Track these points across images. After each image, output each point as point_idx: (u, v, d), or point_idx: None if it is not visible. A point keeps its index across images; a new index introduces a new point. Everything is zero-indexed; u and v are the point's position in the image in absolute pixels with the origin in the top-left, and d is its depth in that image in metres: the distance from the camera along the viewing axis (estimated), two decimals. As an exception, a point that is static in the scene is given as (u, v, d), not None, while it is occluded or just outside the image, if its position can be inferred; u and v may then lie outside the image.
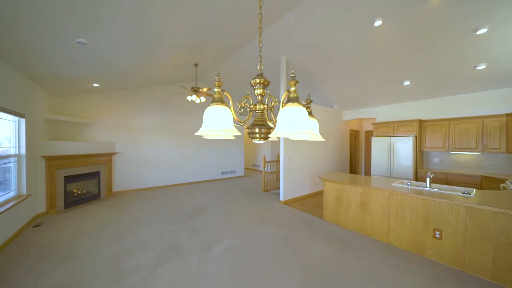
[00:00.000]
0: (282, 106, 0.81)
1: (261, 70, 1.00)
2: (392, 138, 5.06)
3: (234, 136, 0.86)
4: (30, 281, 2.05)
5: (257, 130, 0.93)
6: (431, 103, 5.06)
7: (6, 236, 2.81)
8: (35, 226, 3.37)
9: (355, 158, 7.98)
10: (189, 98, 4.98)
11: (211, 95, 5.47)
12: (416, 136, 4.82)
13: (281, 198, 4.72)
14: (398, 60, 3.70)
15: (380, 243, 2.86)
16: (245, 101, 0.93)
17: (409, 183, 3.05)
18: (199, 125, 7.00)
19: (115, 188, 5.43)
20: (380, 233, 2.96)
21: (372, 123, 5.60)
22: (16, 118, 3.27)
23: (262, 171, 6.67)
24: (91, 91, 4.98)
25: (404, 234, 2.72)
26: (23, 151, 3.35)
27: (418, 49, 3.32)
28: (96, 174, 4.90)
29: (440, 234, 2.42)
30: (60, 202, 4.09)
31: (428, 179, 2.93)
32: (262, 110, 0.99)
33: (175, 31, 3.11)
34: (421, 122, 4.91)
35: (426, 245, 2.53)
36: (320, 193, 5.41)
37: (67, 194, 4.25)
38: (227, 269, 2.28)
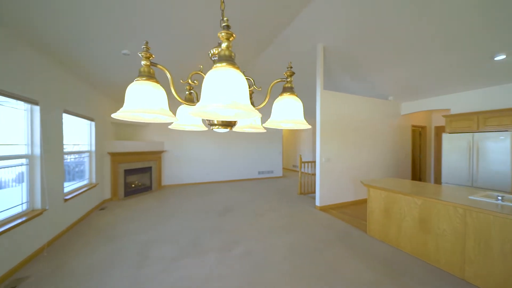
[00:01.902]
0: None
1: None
2: (475, 134, 3.76)
3: (172, 121, 0.68)
4: (81, 255, 2.44)
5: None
6: (547, 82, 3.49)
7: (80, 214, 3.51)
8: (101, 209, 4.12)
9: (420, 161, 6.45)
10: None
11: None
12: (518, 131, 3.41)
13: (317, 203, 4.22)
14: (487, 23, 2.66)
15: (449, 277, 2.09)
16: (192, 77, 0.74)
17: (499, 197, 2.11)
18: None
19: (164, 182, 6.13)
20: (449, 262, 2.16)
21: (444, 116, 4.32)
22: (89, 122, 4.07)
23: (303, 173, 6.20)
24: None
25: (490, 271, 1.88)
26: (94, 148, 4.15)
27: (519, 2, 2.28)
28: (149, 169, 5.65)
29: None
30: (121, 191, 4.88)
31: (538, 194, 1.95)
32: None
33: (206, 31, 3.18)
34: (528, 111, 3.45)
35: (532, 294, 1.66)
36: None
37: (126, 185, 5.05)
38: (240, 275, 2.11)
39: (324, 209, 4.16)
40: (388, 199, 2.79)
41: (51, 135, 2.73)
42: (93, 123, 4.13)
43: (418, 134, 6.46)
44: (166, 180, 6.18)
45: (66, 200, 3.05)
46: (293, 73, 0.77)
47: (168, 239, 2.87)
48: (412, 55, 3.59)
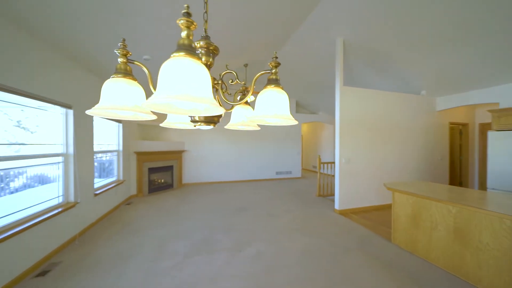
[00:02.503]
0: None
1: (206, 31, 0.74)
2: (532, 132, 3.15)
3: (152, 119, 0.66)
4: (106, 246, 2.66)
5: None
6: None
7: (108, 208, 3.84)
8: (127, 204, 4.45)
9: (461, 163, 5.68)
10: (238, 98, 5.13)
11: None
12: None
13: (336, 207, 3.97)
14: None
15: (493, 300, 1.77)
16: None
17: None
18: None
19: (184, 180, 6.41)
20: (493, 283, 1.83)
21: (489, 110, 3.72)
22: (117, 123, 4.43)
23: (322, 174, 5.91)
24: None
25: (549, 298, 1.54)
26: (121, 147, 4.51)
27: None
28: (170, 168, 5.95)
29: None
30: (145, 188, 5.23)
31: None
32: (212, 85, 0.74)
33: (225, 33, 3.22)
34: None
35: None
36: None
37: (150, 182, 5.38)
38: (248, 277, 2.07)
39: (343, 213, 3.90)
40: (417, 205, 2.49)
41: (82, 135, 3.03)
42: (120, 124, 4.49)
43: (458, 133, 5.69)
44: (186, 178, 6.45)
45: (96, 194, 3.35)
46: (279, 63, 0.70)
47: (183, 235, 2.96)
48: (449, 42, 3.17)
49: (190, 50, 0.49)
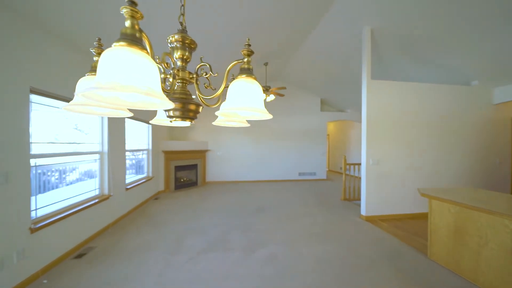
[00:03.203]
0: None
1: (182, 24, 0.70)
2: None
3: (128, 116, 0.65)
4: (133, 236, 2.90)
5: (181, 106, 0.66)
6: None
7: (138, 201, 4.20)
8: (155, 199, 4.82)
9: (529, 167, 4.62)
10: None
11: (282, 94, 5.28)
12: None
13: (363, 212, 3.62)
14: None
15: None
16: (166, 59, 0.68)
17: None
18: (272, 125, 7.04)
19: (207, 179, 6.66)
20: None
21: None
22: (147, 124, 4.83)
23: (348, 176, 5.45)
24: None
25: None
26: (150, 147, 4.90)
27: None
28: (195, 167, 6.25)
29: None
30: (172, 185, 5.58)
31: None
32: (186, 79, 0.70)
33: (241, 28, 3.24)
34: None
35: None
36: (435, 216, 3.60)
37: (176, 179, 5.73)
38: (259, 279, 2.00)
39: (371, 219, 3.54)
40: (461, 215, 2.09)
41: (115, 135, 3.37)
42: (150, 126, 4.88)
43: (526, 130, 4.65)
44: (210, 177, 6.69)
45: (127, 189, 3.70)
46: (251, 52, 0.63)
47: (201, 231, 3.05)
48: (507, 20, 2.60)
49: (131, 39, 0.46)
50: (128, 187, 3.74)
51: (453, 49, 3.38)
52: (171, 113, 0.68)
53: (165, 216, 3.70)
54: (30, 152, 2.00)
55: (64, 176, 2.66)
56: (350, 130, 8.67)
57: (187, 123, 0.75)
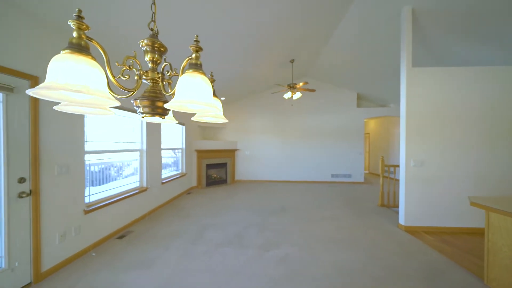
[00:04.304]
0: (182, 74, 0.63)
1: (156, 30, 0.75)
2: None
3: (109, 108, 0.72)
4: (163, 225, 3.25)
5: (149, 103, 0.72)
6: None
7: (172, 195, 4.68)
8: (188, 194, 5.27)
9: None
10: (285, 96, 5.00)
11: (312, 90, 5.00)
12: None
13: (401, 221, 3.16)
14: None
15: None
16: (132, 62, 0.75)
17: None
18: (301, 124, 6.78)
19: (236, 177, 6.90)
20: None
21: None
22: (181, 126, 5.33)
23: (393, 179, 4.79)
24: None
25: None
26: (184, 146, 5.38)
27: None
28: (224, 165, 6.56)
29: None
30: (203, 182, 6.00)
31: None
32: (155, 79, 0.75)
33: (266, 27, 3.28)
34: None
35: None
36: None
37: (207, 176, 6.14)
38: (269, 279, 1.98)
39: (412, 230, 3.05)
40: (532, 235, 1.60)
41: (153, 135, 3.84)
42: (184, 126, 5.37)
43: None
44: (239, 175, 6.91)
45: (163, 183, 4.16)
46: (200, 48, 0.64)
47: (221, 226, 3.19)
48: None
49: (75, 47, 0.53)
50: (164, 181, 4.21)
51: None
52: (141, 110, 0.75)
53: (193, 210, 4.01)
54: (84, 149, 2.47)
55: (114, 170, 3.21)
56: (394, 127, 7.64)
57: (158, 119, 0.81)
